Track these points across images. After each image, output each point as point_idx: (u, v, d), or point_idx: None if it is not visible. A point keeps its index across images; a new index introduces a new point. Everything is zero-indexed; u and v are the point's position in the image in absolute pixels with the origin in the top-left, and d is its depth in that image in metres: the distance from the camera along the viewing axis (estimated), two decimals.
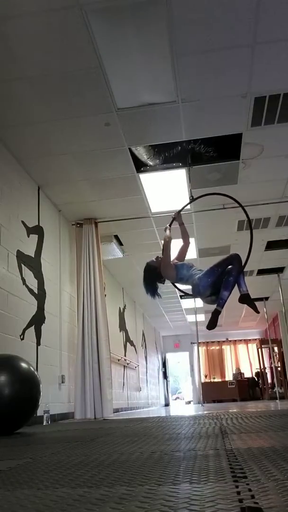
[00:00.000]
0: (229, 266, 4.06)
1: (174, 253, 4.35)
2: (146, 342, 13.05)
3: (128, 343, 10.22)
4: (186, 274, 4.17)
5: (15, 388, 3.09)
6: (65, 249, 6.13)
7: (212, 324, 4.19)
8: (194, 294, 4.28)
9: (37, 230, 5.19)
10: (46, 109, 4.09)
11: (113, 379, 7.33)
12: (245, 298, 4.07)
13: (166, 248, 4.21)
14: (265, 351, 14.55)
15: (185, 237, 4.46)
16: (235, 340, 17.13)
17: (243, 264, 4.17)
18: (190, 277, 4.16)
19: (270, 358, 14.16)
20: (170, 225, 4.43)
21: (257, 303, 12.92)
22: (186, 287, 4.39)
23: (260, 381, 15.05)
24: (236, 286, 4.10)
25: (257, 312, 4.35)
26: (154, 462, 1.34)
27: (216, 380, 16.12)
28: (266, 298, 11.80)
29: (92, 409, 5.45)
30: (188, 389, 19.26)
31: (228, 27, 3.30)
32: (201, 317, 11.95)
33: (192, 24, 3.25)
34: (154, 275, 4.26)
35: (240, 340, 17.18)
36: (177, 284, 4.42)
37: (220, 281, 4.04)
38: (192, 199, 4.82)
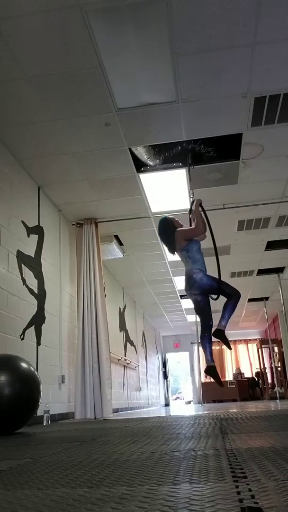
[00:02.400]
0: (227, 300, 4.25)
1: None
2: (146, 342, 13.05)
3: (128, 343, 10.22)
4: (189, 252, 4.28)
5: (15, 388, 3.09)
6: (65, 249, 6.13)
7: (219, 380, 4.40)
8: (188, 285, 4.36)
9: (37, 230, 5.19)
10: (46, 109, 4.09)
11: (113, 379, 7.34)
12: (219, 333, 4.24)
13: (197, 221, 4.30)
14: (265, 351, 14.55)
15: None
16: (235, 340, 17.12)
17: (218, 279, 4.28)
18: (193, 260, 4.26)
19: (270, 358, 14.16)
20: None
21: (257, 303, 12.90)
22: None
23: (260, 381, 15.05)
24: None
25: (230, 348, 4.56)
26: (154, 462, 1.34)
27: None
28: (266, 298, 11.81)
29: (92, 409, 5.45)
30: (188, 389, 19.26)
31: (228, 27, 3.29)
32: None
33: (192, 24, 3.25)
34: (171, 229, 4.38)
35: (240, 340, 17.18)
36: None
37: (207, 301, 4.28)
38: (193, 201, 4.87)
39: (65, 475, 1.21)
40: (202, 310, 4.34)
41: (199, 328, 4.51)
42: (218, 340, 4.33)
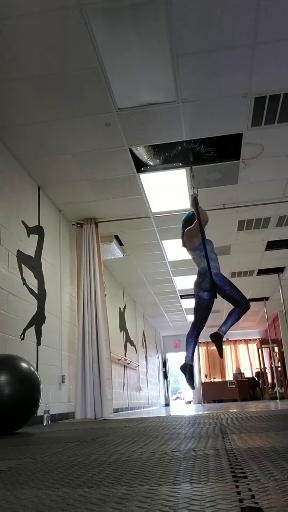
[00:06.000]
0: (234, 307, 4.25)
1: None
2: (146, 342, 13.05)
3: (128, 343, 10.22)
4: (203, 252, 4.31)
5: (15, 388, 3.09)
6: (65, 249, 6.13)
7: (192, 380, 4.46)
8: (200, 279, 4.38)
9: (37, 230, 5.19)
10: (46, 109, 4.09)
11: (113, 379, 7.33)
12: (217, 338, 4.23)
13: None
14: (265, 351, 14.55)
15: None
16: (235, 340, 17.13)
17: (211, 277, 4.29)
18: (210, 259, 4.28)
19: (270, 358, 14.16)
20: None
21: (257, 303, 12.98)
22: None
23: (260, 381, 15.05)
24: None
25: (221, 356, 4.59)
26: (154, 462, 1.34)
27: (216, 380, 16.12)
28: (266, 298, 11.81)
29: (92, 409, 5.45)
30: (188, 389, 19.25)
31: (228, 27, 3.29)
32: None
33: (192, 24, 3.24)
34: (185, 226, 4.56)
35: (240, 340, 17.18)
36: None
37: (211, 302, 4.35)
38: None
39: (65, 475, 1.21)
40: (202, 309, 4.33)
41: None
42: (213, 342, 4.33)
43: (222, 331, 4.17)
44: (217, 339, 4.20)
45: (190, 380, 4.37)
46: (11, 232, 4.46)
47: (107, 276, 8.25)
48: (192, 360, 4.34)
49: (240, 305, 4.19)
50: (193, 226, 4.43)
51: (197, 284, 4.39)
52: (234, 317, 4.17)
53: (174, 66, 3.64)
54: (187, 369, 4.33)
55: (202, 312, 4.36)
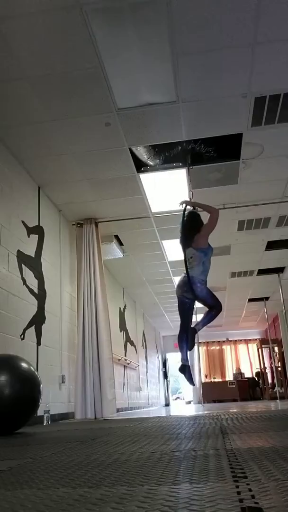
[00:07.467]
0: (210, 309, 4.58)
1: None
2: (146, 342, 13.05)
3: (128, 343, 10.22)
4: (206, 257, 4.49)
5: (15, 388, 3.09)
6: (66, 249, 6.13)
7: (191, 380, 4.88)
8: (185, 287, 4.57)
9: (38, 230, 5.19)
10: (46, 109, 4.09)
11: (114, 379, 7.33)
12: (192, 332, 4.65)
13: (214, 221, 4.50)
14: (265, 351, 14.54)
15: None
16: (235, 340, 17.12)
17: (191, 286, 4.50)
18: (204, 268, 4.47)
19: (270, 358, 14.16)
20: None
21: (257, 303, 12.98)
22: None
23: (260, 381, 15.05)
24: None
25: (190, 349, 4.84)
26: (154, 462, 1.34)
27: (216, 380, 16.11)
28: (266, 298, 11.80)
29: (92, 409, 5.45)
30: (188, 389, 19.24)
31: (228, 27, 3.29)
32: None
33: (192, 24, 3.24)
34: (196, 224, 4.55)
35: (241, 340, 17.17)
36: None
37: (192, 307, 4.75)
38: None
39: (65, 475, 1.21)
40: (186, 313, 4.70)
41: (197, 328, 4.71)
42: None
43: (197, 328, 4.61)
44: (192, 333, 4.62)
45: (190, 379, 4.78)
46: (11, 232, 4.46)
47: (107, 276, 8.25)
48: (187, 360, 4.68)
49: (216, 307, 4.57)
50: (207, 223, 4.51)
51: (182, 290, 4.61)
52: (209, 318, 4.56)
53: (174, 66, 3.64)
54: (186, 370, 4.67)
55: (186, 315, 4.71)
